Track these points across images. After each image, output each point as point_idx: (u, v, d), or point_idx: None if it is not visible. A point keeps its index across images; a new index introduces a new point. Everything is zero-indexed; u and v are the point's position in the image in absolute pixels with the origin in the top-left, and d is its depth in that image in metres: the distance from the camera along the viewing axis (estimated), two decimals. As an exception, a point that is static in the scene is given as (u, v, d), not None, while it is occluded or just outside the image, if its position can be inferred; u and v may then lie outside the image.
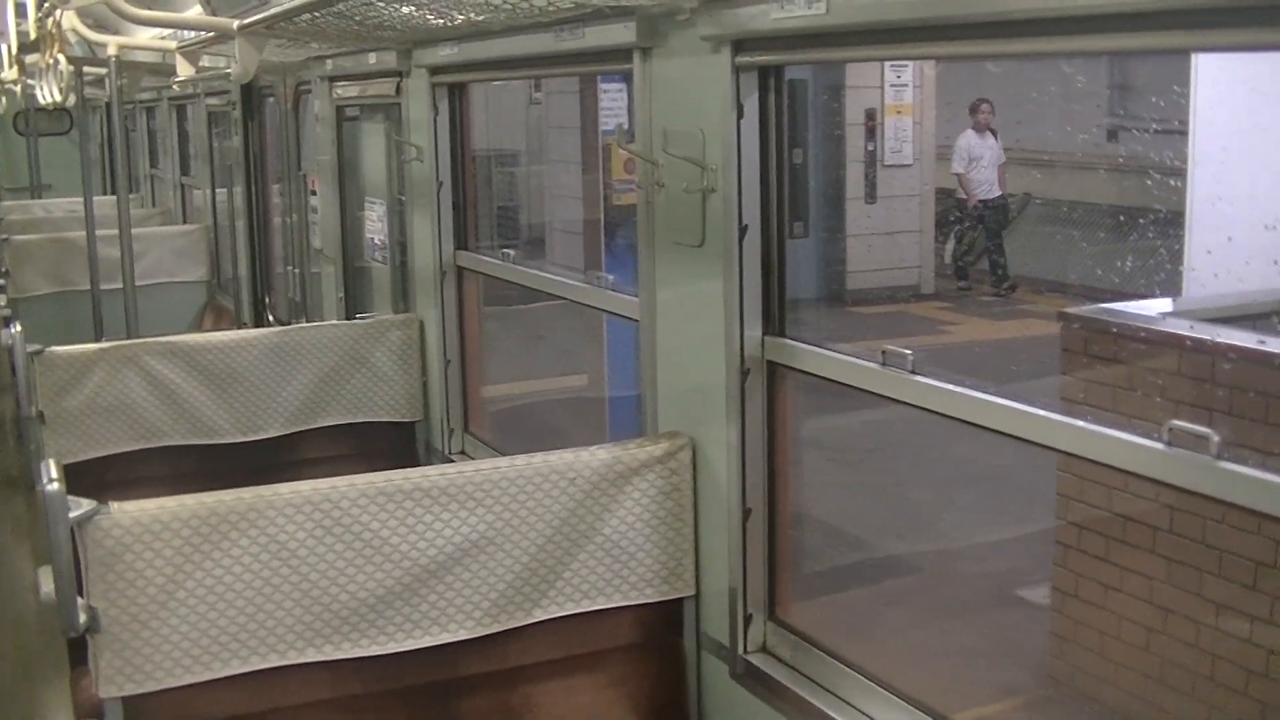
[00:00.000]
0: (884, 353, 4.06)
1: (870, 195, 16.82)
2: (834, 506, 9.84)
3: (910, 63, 16.28)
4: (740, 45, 4.31)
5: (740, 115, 4.38)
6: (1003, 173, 17.08)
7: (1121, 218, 17.06)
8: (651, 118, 4.80)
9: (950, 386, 3.86)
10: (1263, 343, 6.14)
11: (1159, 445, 3.21)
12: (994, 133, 16.76)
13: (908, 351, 4.01)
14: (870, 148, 16.73)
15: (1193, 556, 6.15)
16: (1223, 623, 6.08)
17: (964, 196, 16.86)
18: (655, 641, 4.87)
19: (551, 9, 4.66)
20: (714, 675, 4.86)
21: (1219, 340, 6.17)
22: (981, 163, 16.76)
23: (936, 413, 3.91)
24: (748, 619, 4.68)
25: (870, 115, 16.67)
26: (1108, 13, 2.99)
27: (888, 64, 16.20)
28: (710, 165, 4.48)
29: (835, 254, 16.39)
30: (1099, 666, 6.82)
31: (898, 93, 16.67)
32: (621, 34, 4.81)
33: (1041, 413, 3.57)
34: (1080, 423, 3.48)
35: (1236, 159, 8.09)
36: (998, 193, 16.97)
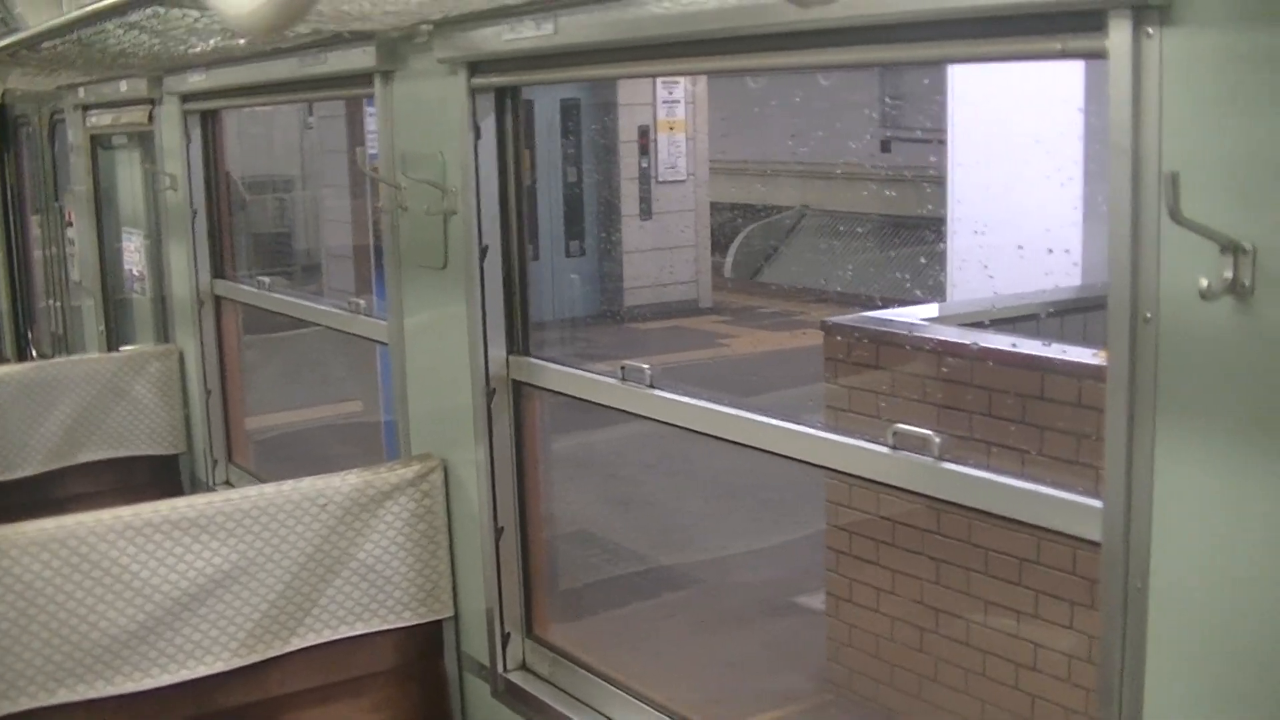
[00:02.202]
0: (623, 368, 4.10)
1: (646, 212, 16.91)
2: (610, 521, 9.86)
3: (682, 80, 16.41)
4: (476, 67, 4.34)
5: (478, 136, 4.41)
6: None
7: (895, 227, 17.40)
8: (394, 141, 4.80)
9: (686, 399, 3.92)
10: (975, 343, 6.29)
11: (884, 449, 3.28)
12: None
13: (645, 366, 4.06)
14: (644, 165, 16.81)
15: (960, 556, 6.27)
16: (991, 619, 6.20)
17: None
18: (416, 664, 4.85)
19: (292, 34, 4.63)
20: (476, 695, 4.86)
21: (960, 343, 6.32)
22: None
23: (674, 425, 3.97)
24: (505, 638, 4.69)
25: (643, 133, 16.76)
26: (801, 30, 3.08)
27: (660, 81, 16.31)
28: (450, 187, 4.50)
29: (613, 271, 16.46)
30: (875, 669, 6.92)
31: (670, 109, 16.79)
32: (362, 58, 4.81)
33: (774, 422, 3.63)
34: (811, 430, 3.55)
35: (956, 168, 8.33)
36: None
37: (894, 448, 3.25)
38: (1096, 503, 2.66)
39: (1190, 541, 2.49)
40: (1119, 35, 2.44)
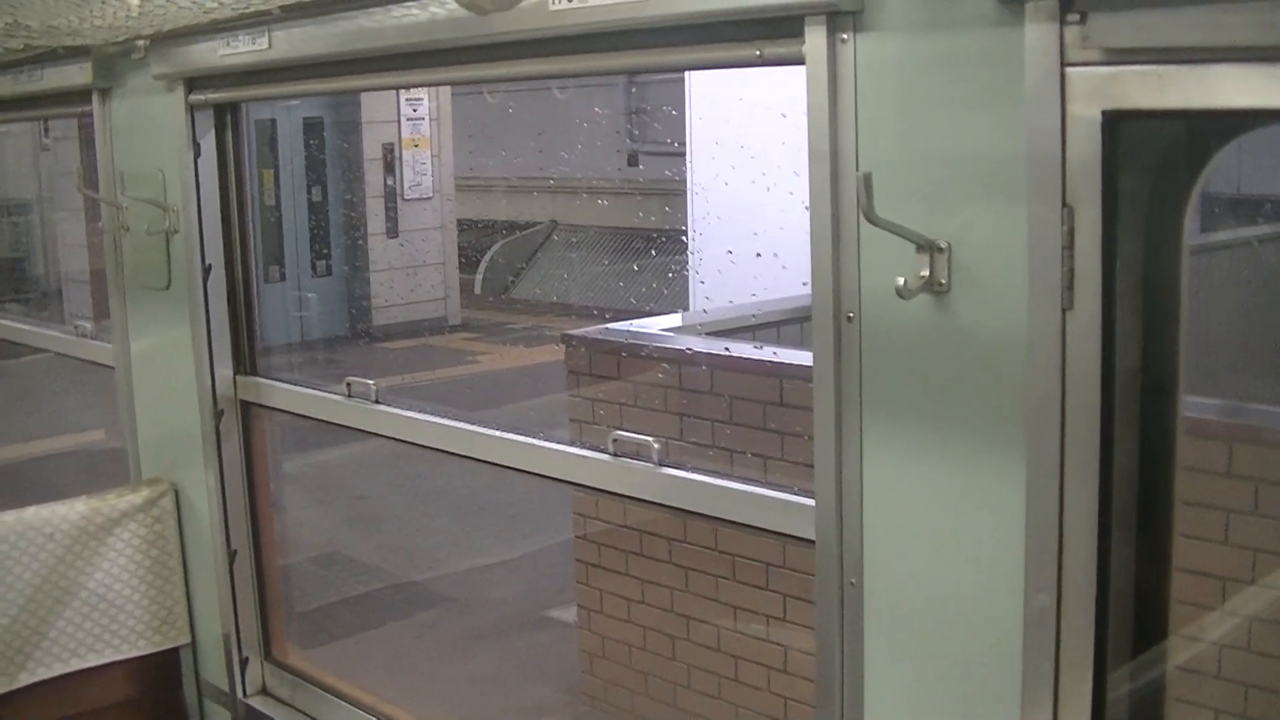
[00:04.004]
0: (349, 384, 4.08)
1: (393, 230, 16.79)
2: (358, 541, 9.76)
3: (425, 97, 16.35)
4: (193, 83, 4.27)
5: (197, 154, 4.33)
6: None
7: (643, 239, 17.53)
8: (113, 159, 4.70)
9: (411, 414, 3.91)
10: (690, 349, 6.38)
11: (606, 457, 3.30)
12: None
13: (371, 382, 4.03)
14: (390, 182, 16.68)
15: (708, 563, 6.31)
16: (742, 624, 6.26)
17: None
18: (153, 694, 4.75)
19: (0, 50, 4.51)
20: None
21: (691, 351, 6.38)
22: None
23: (402, 441, 3.95)
24: (244, 662, 4.63)
25: (388, 150, 16.62)
26: (506, 41, 3.09)
27: (404, 98, 16.21)
28: (172, 206, 4.42)
29: (360, 290, 16.31)
30: (629, 679, 6.93)
31: (415, 126, 16.68)
32: (79, 75, 4.69)
33: (499, 434, 3.64)
34: (534, 441, 3.56)
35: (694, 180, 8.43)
36: None
37: (615, 455, 3.27)
38: (809, 501, 2.70)
39: (900, 536, 2.55)
40: (814, 41, 2.49)
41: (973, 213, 2.34)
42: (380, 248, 16.68)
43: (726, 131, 8.26)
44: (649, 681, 6.82)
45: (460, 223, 18.00)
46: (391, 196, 16.74)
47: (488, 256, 19.90)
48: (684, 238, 9.95)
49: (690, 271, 9.72)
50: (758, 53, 2.63)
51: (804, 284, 2.61)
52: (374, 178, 16.64)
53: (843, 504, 2.60)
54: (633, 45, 2.91)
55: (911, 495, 2.51)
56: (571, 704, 7.39)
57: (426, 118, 16.76)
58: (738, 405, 6.06)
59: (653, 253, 15.92)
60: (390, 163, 16.66)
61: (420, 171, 16.79)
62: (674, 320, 8.00)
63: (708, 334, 7.01)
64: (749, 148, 7.73)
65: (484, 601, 8.88)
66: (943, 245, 2.36)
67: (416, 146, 16.74)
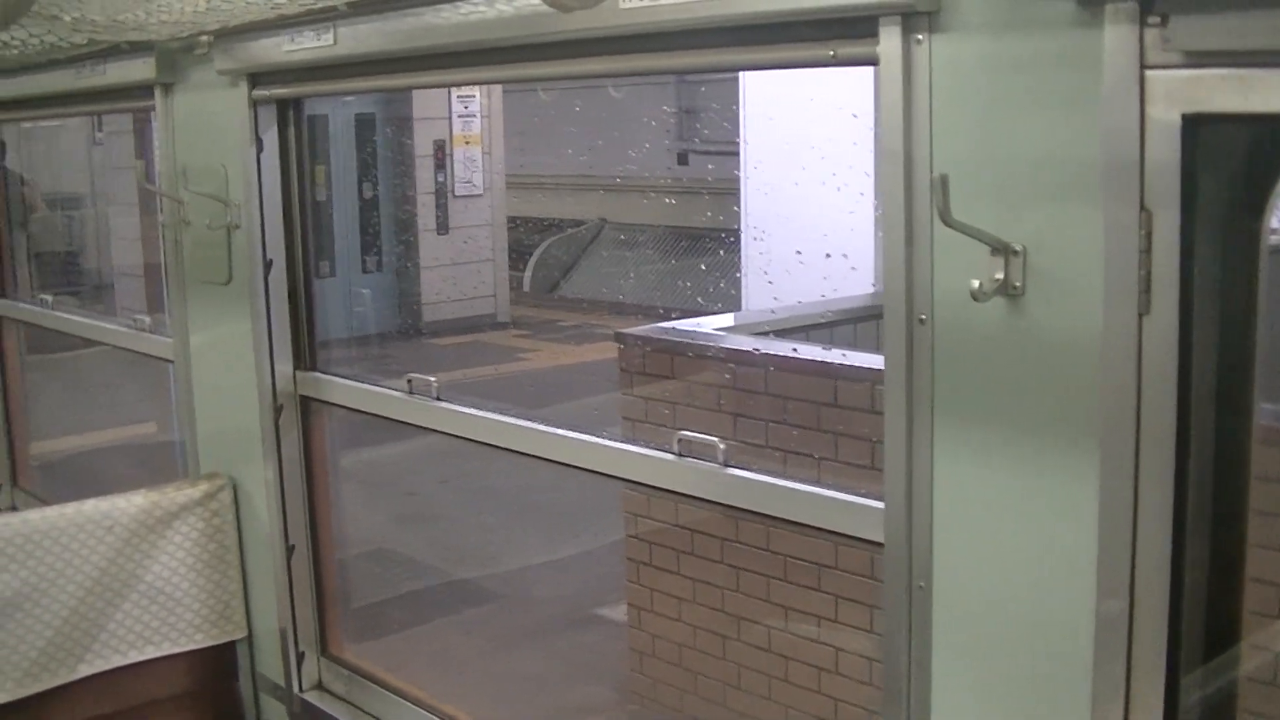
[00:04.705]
0: (410, 381, 4.07)
1: (443, 226, 16.82)
2: (407, 538, 9.78)
3: (477, 93, 16.37)
4: (256, 79, 4.27)
5: (260, 149, 4.34)
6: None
7: (693, 238, 17.51)
8: (175, 154, 4.71)
9: (473, 411, 3.90)
10: (757, 350, 6.36)
11: (670, 457, 3.29)
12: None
13: (432, 379, 4.03)
14: (441, 179, 16.72)
15: (759, 563, 6.30)
16: (792, 625, 6.24)
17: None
18: (209, 688, 4.76)
19: (65, 45, 4.52)
20: (272, 717, 4.78)
21: (747, 351, 6.36)
22: None
23: (463, 438, 3.95)
24: (300, 657, 4.62)
25: (439, 147, 16.65)
26: (579, 38, 3.08)
27: (455, 95, 16.24)
28: (233, 201, 4.42)
29: (410, 286, 16.34)
30: (679, 678, 6.93)
31: (466, 123, 16.71)
32: (141, 70, 4.70)
33: (562, 432, 3.63)
34: (598, 440, 3.55)
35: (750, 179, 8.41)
36: None
37: (680, 455, 3.26)
38: (878, 504, 2.68)
39: (970, 540, 2.53)
40: (889, 41, 2.47)
41: (1048, 216, 2.32)
42: (431, 244, 16.72)
43: (783, 130, 8.24)
44: (698, 681, 6.81)
45: (509, 219, 18.04)
46: (442, 193, 16.77)
47: (536, 254, 19.93)
48: (735, 236, 9.93)
49: (743, 272, 9.70)
50: (831, 53, 2.61)
51: (873, 284, 2.60)
52: (425, 174, 16.68)
53: (912, 506, 2.58)
54: (703, 44, 2.89)
55: (982, 498, 2.49)
56: (621, 702, 7.39)
57: (478, 114, 16.79)
58: (796, 406, 6.04)
59: (705, 251, 15.90)
60: (441, 159, 16.69)
61: (471, 168, 16.83)
62: (727, 320, 7.98)
63: (759, 334, 6.99)
64: (813, 148, 7.70)
65: (534, 599, 8.89)
66: (1018, 248, 2.33)
67: (467, 143, 16.77)
